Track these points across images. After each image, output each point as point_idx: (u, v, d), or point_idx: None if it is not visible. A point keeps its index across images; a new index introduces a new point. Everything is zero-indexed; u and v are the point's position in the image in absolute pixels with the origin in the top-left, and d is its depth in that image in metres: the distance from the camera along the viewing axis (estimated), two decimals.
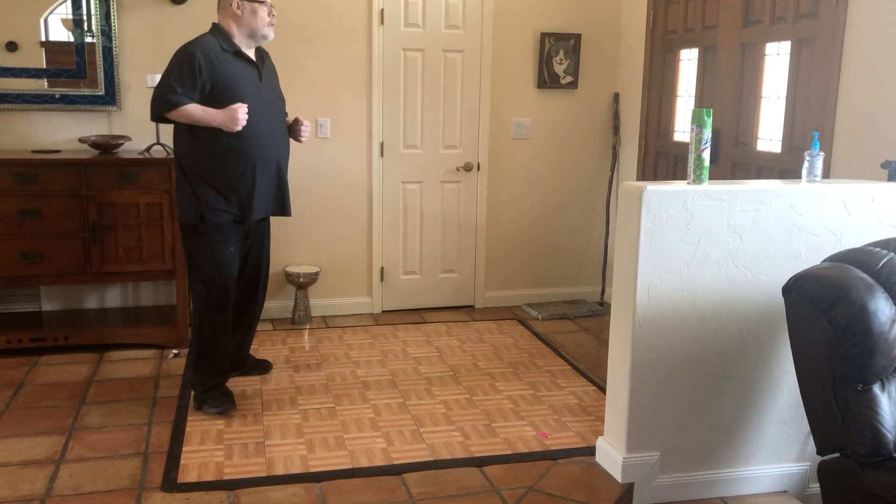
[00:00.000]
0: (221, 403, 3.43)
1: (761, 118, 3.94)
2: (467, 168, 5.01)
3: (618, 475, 2.84)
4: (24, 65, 4.28)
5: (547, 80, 5.03)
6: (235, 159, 3.35)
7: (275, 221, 4.73)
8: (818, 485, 2.47)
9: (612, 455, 2.89)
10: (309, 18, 4.61)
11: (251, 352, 3.94)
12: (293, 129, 3.67)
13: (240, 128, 3.28)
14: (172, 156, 4.12)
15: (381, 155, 4.86)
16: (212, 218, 3.36)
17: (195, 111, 3.25)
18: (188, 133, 3.32)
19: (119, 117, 4.43)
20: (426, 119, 4.90)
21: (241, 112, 3.26)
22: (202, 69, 3.25)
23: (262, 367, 3.93)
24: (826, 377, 2.28)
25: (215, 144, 3.31)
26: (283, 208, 3.62)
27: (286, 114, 3.66)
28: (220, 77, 3.29)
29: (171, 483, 2.83)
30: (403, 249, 5.01)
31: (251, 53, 3.44)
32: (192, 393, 3.50)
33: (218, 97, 3.28)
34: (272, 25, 3.43)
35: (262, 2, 3.36)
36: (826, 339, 2.25)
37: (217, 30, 3.40)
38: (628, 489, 2.82)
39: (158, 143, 4.26)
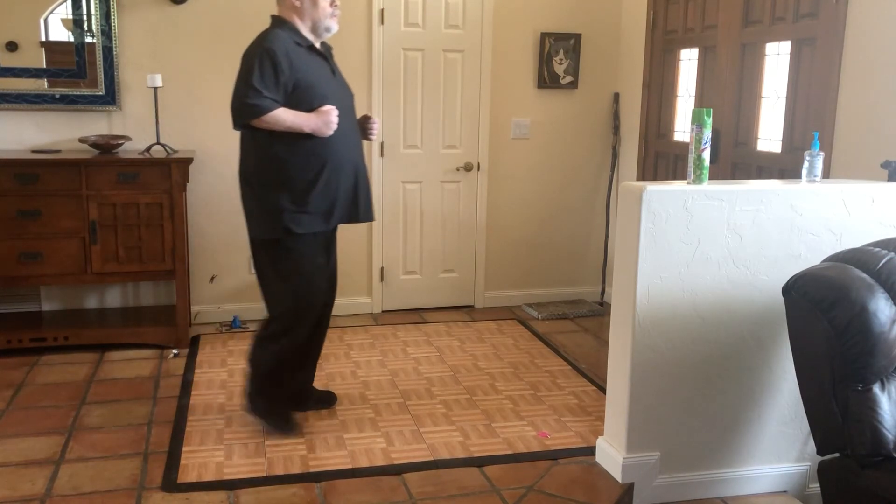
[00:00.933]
0: (286, 430, 3.24)
1: (761, 118, 3.94)
2: (467, 168, 5.01)
3: (618, 475, 2.84)
4: (24, 65, 4.28)
5: (547, 80, 5.03)
6: (317, 163, 3.07)
7: None
8: (818, 485, 2.48)
9: (612, 455, 2.89)
10: None
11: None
12: (363, 127, 3.37)
13: (331, 132, 3.05)
14: (170, 155, 4.14)
15: (381, 155, 4.86)
16: (296, 228, 3.08)
17: (286, 116, 2.98)
18: (266, 138, 3.03)
19: (119, 117, 4.43)
20: (426, 119, 4.90)
21: (333, 115, 3.04)
22: (283, 67, 2.96)
23: (327, 399, 3.53)
24: (826, 377, 2.28)
25: (295, 148, 3.03)
26: (366, 212, 3.28)
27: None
28: (302, 75, 3.02)
29: (171, 483, 2.84)
30: (403, 249, 5.01)
31: (318, 48, 3.19)
32: (250, 403, 3.27)
33: (300, 97, 3.02)
34: (335, 16, 3.15)
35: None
36: (826, 339, 2.25)
37: (283, 23, 3.09)
38: (628, 489, 2.82)
39: (158, 143, 4.26)
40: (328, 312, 3.42)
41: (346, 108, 3.18)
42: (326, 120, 3.03)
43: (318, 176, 3.09)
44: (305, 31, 3.12)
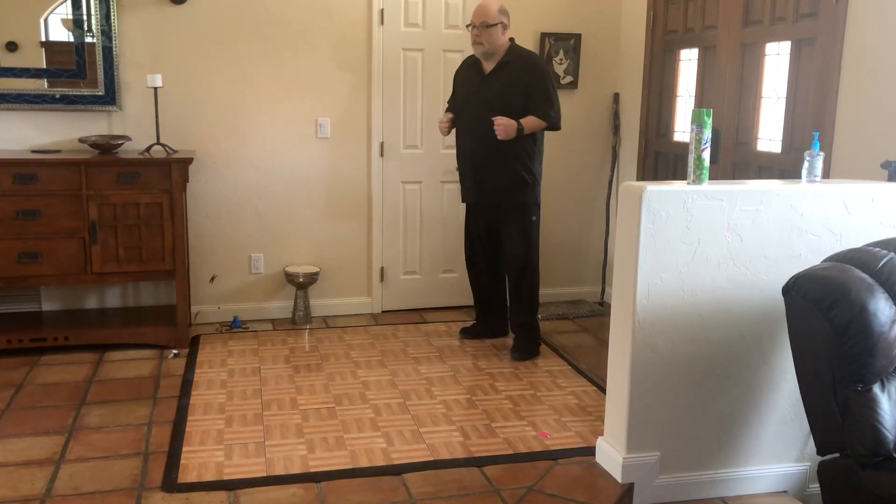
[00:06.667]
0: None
1: (761, 118, 3.94)
2: None
3: (618, 475, 2.84)
4: (24, 65, 4.28)
5: None
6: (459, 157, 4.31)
7: (275, 221, 4.76)
8: (818, 485, 2.47)
9: (612, 455, 2.89)
10: (309, 18, 4.61)
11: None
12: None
13: (441, 133, 4.40)
14: (170, 155, 4.15)
15: (381, 155, 4.85)
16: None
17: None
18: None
19: (119, 117, 4.42)
20: (426, 119, 4.89)
21: (439, 121, 4.32)
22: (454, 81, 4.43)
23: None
24: (826, 377, 2.28)
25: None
26: (470, 195, 4.28)
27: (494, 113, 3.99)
28: (455, 86, 4.42)
29: (171, 483, 2.84)
30: (403, 249, 5.01)
31: (489, 65, 4.11)
32: (523, 345, 4.25)
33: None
34: (475, 43, 4.06)
35: (467, 25, 4.12)
36: (826, 339, 2.25)
37: None
38: (628, 489, 2.82)
39: (158, 143, 4.26)
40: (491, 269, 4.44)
41: (475, 112, 4.09)
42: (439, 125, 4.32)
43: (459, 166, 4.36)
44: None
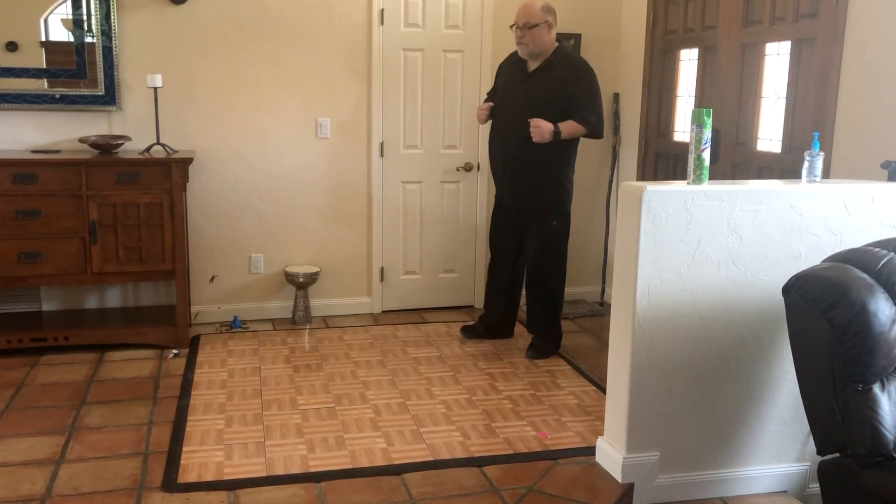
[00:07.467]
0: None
1: (761, 118, 3.94)
2: (467, 168, 5.01)
3: (618, 475, 2.84)
4: (24, 65, 4.28)
5: None
6: (492, 153, 4.31)
7: (275, 221, 4.76)
8: (818, 485, 2.48)
9: (612, 455, 2.89)
10: (309, 18, 4.61)
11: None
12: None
13: (479, 121, 4.39)
14: (170, 155, 4.15)
15: (381, 155, 4.85)
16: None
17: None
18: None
19: (119, 117, 4.42)
20: (426, 119, 4.90)
21: (478, 109, 4.28)
22: (496, 78, 4.40)
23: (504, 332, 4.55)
24: (826, 377, 2.28)
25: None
26: (511, 198, 4.19)
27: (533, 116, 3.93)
28: (497, 83, 4.35)
29: (171, 483, 2.83)
30: (403, 249, 5.01)
31: (533, 64, 4.05)
32: (539, 345, 4.25)
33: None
34: (519, 44, 4.00)
35: (511, 26, 4.04)
36: (826, 339, 2.25)
37: None
38: (628, 489, 2.82)
39: (158, 143, 4.26)
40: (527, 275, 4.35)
41: (513, 111, 4.04)
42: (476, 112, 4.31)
43: (492, 163, 4.35)
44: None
